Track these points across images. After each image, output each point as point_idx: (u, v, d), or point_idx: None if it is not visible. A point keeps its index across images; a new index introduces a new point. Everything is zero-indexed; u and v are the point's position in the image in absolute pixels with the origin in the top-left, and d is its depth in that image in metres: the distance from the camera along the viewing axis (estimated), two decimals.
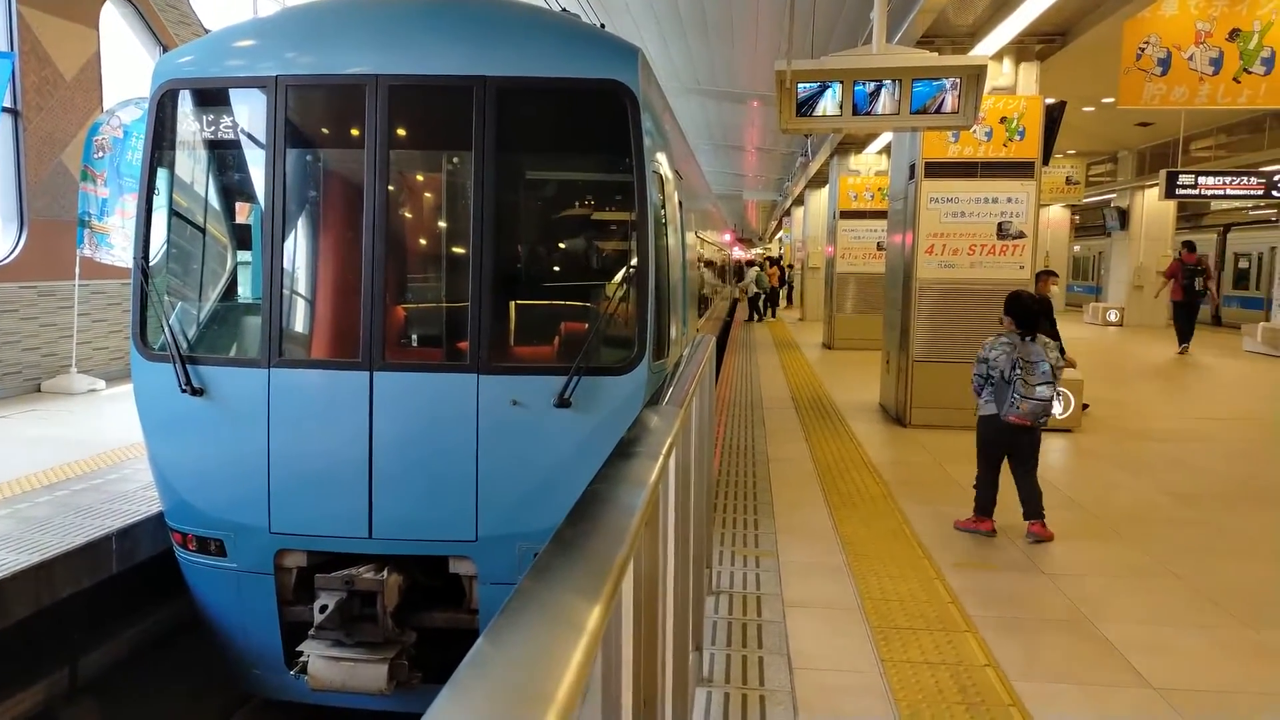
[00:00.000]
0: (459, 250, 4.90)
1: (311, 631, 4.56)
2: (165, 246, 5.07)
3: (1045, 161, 9.20)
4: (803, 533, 5.56)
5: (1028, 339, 5.45)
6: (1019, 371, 5.37)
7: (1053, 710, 3.40)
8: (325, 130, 5.13)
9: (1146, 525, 5.88)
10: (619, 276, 4.98)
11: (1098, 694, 3.58)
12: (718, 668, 3.72)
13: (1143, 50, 10.06)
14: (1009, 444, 5.58)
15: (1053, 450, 8.27)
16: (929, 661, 3.81)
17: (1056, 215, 26.10)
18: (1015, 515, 5.67)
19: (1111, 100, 15.39)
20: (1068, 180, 22.50)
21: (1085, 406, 9.15)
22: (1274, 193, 16.31)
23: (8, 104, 9.35)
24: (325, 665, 4.54)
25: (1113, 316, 22.09)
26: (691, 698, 3.33)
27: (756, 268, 26.05)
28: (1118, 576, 4.96)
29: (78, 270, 9.93)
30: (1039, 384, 5.32)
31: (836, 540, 5.43)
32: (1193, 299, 16.16)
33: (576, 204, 5.58)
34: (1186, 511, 6.24)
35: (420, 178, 5.36)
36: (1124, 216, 22.88)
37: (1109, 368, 13.63)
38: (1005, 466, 5.68)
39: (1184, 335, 16.15)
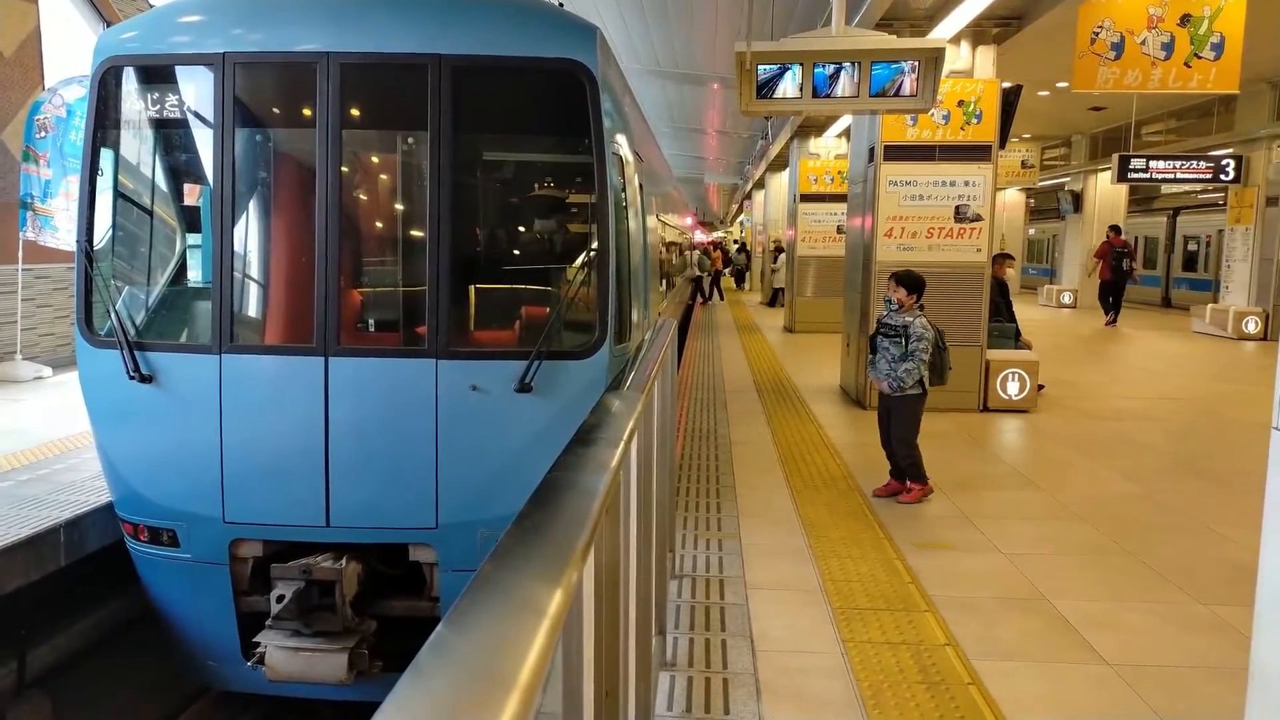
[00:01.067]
0: (416, 233, 4.81)
1: (268, 622, 4.48)
2: (110, 229, 4.91)
3: (1002, 145, 9.28)
4: (765, 515, 5.58)
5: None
6: (944, 341, 5.89)
7: (1011, 688, 3.44)
8: (275, 109, 5.00)
9: (1099, 503, 5.99)
10: (580, 260, 4.93)
11: (1054, 671, 3.64)
12: (681, 651, 3.72)
13: (1097, 34, 10.18)
14: None
15: (1009, 431, 8.40)
16: (890, 642, 3.84)
17: (1012, 199, 26.45)
18: (971, 486, 5.75)
19: (1066, 84, 15.57)
20: (1023, 164, 22.78)
21: (1040, 387, 9.30)
22: (1221, 177, 16.68)
23: None
24: (283, 656, 4.46)
25: (1067, 299, 22.47)
26: (655, 682, 3.32)
27: (699, 251, 25.82)
28: (1072, 554, 5.04)
29: (20, 254, 9.62)
30: None
31: (798, 522, 5.45)
32: (1120, 278, 17.85)
33: (535, 186, 5.51)
34: (1136, 489, 6.37)
35: (374, 159, 5.26)
36: (1077, 200, 23.25)
37: (1063, 349, 13.87)
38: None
39: (1114, 309, 17.90)
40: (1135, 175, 16.66)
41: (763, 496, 6.00)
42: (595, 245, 4.76)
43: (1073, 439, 8.00)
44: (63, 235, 9.41)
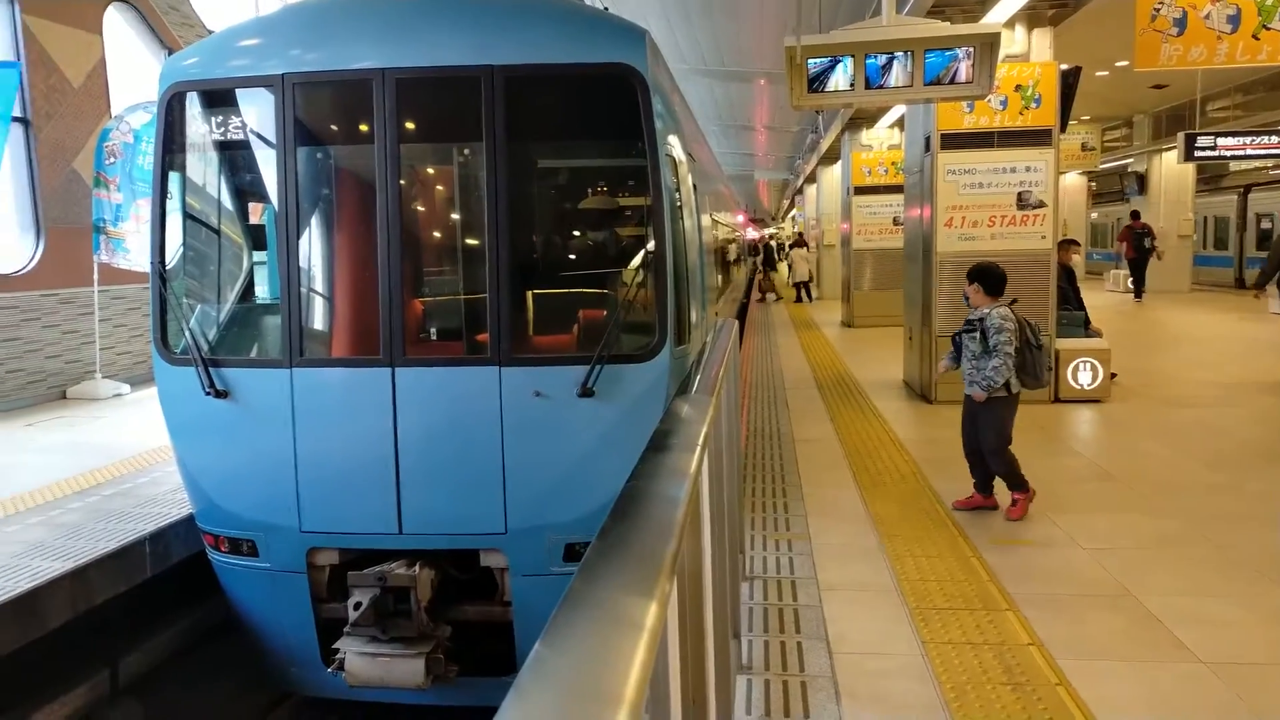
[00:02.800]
0: (474, 242, 4.86)
1: (347, 629, 4.57)
2: (181, 249, 5.05)
3: (1062, 128, 9.05)
4: (834, 514, 5.51)
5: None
6: (1040, 338, 5.30)
7: (1101, 688, 3.34)
8: (334, 127, 5.09)
9: (1181, 494, 5.79)
10: (637, 262, 4.93)
11: (1146, 670, 3.52)
12: (756, 655, 3.68)
13: (1158, 10, 9.85)
14: None
15: (1082, 422, 8.18)
16: (971, 641, 3.76)
17: (1073, 183, 25.75)
18: (1046, 480, 5.61)
19: (1126, 63, 15.13)
20: (1083, 147, 22.21)
21: (1113, 376, 9.03)
22: None
23: (17, 113, 9.36)
24: (362, 662, 4.54)
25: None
26: (733, 686, 3.30)
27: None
28: (1157, 547, 4.88)
29: (95, 276, 9.96)
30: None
31: (869, 521, 5.37)
32: (1143, 256, 19.71)
33: (590, 190, 5.53)
34: (1219, 478, 6.15)
35: (432, 171, 5.33)
36: (1142, 181, 22.57)
37: (1135, 335, 13.48)
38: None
39: (1138, 285, 19.78)
40: (1202, 153, 16.10)
41: (831, 495, 5.92)
42: (652, 247, 4.75)
43: (1150, 428, 7.76)
44: (134, 256, 9.72)
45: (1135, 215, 20.81)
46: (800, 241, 24.05)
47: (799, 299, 22.80)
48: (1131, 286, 21.60)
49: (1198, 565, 4.61)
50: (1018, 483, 5.39)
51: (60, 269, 9.95)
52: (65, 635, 4.60)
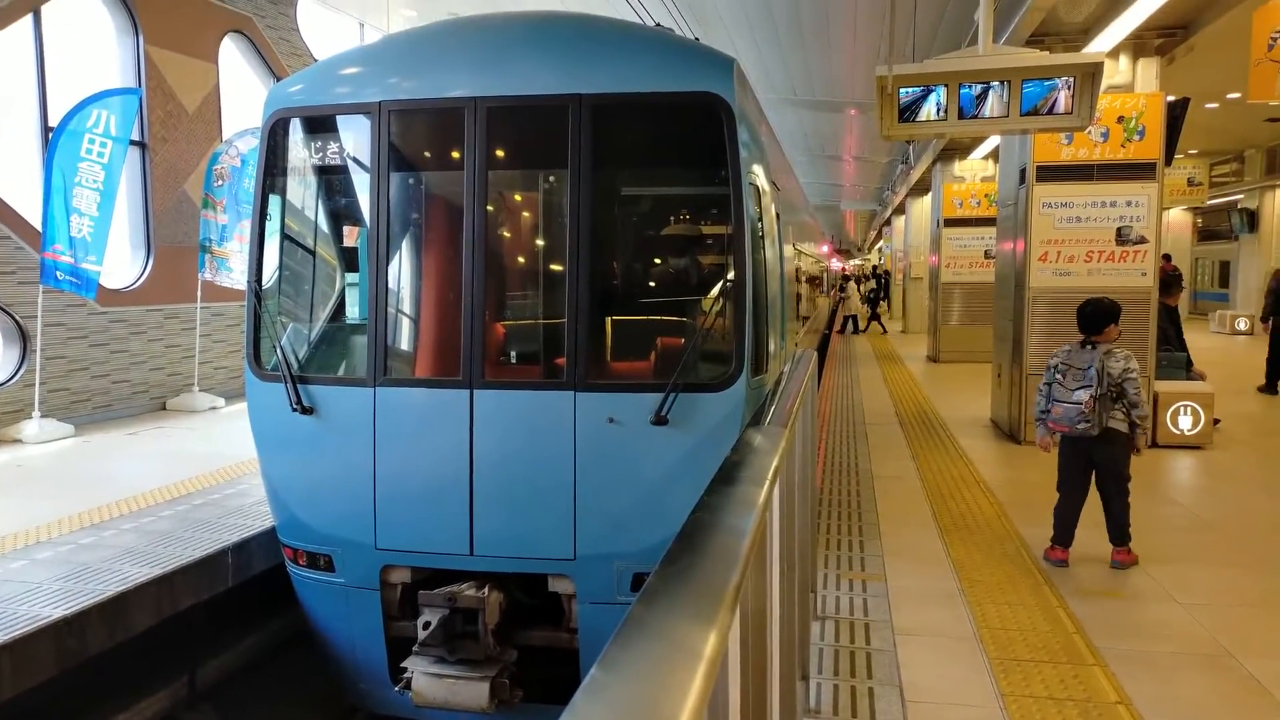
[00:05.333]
0: (556, 268, 4.89)
1: (415, 648, 4.60)
2: (278, 270, 5.22)
3: (1168, 162, 8.69)
4: (912, 556, 5.33)
5: (1087, 346, 5.14)
6: (1060, 376, 5.13)
7: None
8: (427, 153, 5.21)
9: None
10: (716, 291, 4.89)
11: None
12: (825, 698, 3.57)
13: (1275, 40, 9.41)
14: (1087, 461, 5.20)
15: (1182, 469, 7.76)
16: (1054, 697, 3.56)
17: (1177, 219, 24.79)
18: (1141, 530, 5.31)
19: (1238, 95, 14.53)
20: (1189, 182, 21.34)
21: (1216, 422, 8.57)
22: None
23: (135, 137, 9.91)
24: (428, 682, 4.57)
25: (1242, 325, 20.78)
26: None
27: None
28: (1260, 606, 4.57)
29: (199, 293, 10.42)
30: (1076, 388, 5.02)
31: (949, 564, 5.18)
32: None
33: (673, 219, 5.52)
34: None
35: (518, 197, 5.40)
36: (1252, 218, 21.54)
37: (1241, 379, 12.77)
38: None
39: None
40: None
41: (909, 535, 5.74)
42: (732, 276, 4.71)
43: (1256, 478, 7.32)
44: (236, 275, 10.15)
45: (1167, 258, 21.60)
46: (851, 277, 25.60)
47: (842, 329, 23.92)
48: (1244, 329, 20.77)
49: None
50: (1055, 531, 5.26)
51: (166, 285, 10.45)
52: (149, 639, 4.75)
